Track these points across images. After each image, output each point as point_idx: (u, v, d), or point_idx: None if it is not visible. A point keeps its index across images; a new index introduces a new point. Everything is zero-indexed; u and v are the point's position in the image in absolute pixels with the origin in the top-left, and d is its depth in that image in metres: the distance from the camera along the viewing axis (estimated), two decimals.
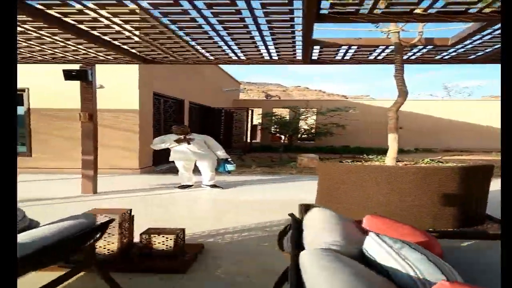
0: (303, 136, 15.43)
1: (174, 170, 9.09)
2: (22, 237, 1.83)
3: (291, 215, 1.92)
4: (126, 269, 2.69)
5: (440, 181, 3.12)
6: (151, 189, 6.31)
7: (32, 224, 2.23)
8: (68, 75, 5.56)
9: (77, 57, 5.44)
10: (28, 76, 7.58)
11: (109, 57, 5.39)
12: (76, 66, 5.69)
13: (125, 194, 5.78)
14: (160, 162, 9.64)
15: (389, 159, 3.92)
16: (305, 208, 2.00)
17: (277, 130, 15.33)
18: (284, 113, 17.37)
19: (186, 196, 5.72)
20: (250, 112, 14.34)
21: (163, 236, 2.89)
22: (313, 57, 5.06)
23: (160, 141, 6.27)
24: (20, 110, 8.31)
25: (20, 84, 7.41)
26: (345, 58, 5.08)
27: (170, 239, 2.89)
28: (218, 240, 3.49)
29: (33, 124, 8.41)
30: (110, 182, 6.72)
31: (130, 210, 3.05)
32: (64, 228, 2.06)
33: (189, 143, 6.02)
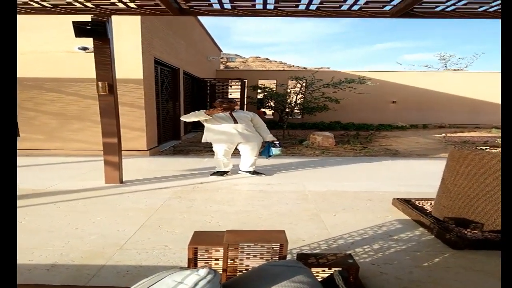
0: (294, 111, 14.60)
1: (179, 151, 8.05)
2: None
3: None
4: None
5: None
6: (182, 177, 5.24)
7: None
8: (80, 29, 4.22)
9: (87, 4, 4.14)
10: None
11: (131, 4, 4.11)
12: (85, 18, 4.37)
13: (157, 184, 4.71)
14: (160, 141, 8.51)
15: None
16: None
17: (271, 104, 14.33)
18: (272, 85, 16.41)
19: (237, 187, 4.71)
20: (245, 83, 13.14)
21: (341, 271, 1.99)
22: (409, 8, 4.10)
23: (196, 115, 5.05)
24: None
25: None
26: (448, 10, 4.14)
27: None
28: (356, 258, 2.64)
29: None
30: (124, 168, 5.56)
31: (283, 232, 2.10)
32: None
33: (236, 122, 5.02)
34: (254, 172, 5.42)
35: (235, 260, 1.82)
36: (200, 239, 1.98)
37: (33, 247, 2.70)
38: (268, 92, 14.06)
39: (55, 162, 6.28)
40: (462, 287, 2.23)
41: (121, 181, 4.73)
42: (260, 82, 16.89)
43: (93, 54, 4.51)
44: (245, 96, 13.24)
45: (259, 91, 14.74)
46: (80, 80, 6.88)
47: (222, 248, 1.86)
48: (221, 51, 18.17)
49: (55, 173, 5.40)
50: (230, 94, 13.05)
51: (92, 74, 4.75)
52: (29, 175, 5.24)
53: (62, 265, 2.41)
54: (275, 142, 5.35)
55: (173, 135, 9.86)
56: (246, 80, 13.27)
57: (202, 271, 1.03)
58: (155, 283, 1.01)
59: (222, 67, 23.87)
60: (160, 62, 8.29)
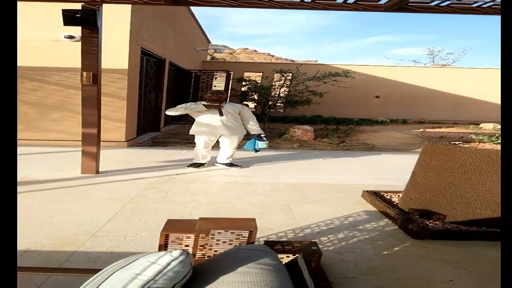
0: (276, 104, 14.63)
1: (158, 142, 8.08)
2: None
3: None
4: None
5: None
6: (158, 168, 5.30)
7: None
8: (70, 18, 4.19)
9: None
10: None
11: None
12: (76, 6, 4.29)
13: (133, 175, 4.76)
14: (139, 133, 8.51)
15: None
16: None
17: (255, 97, 14.34)
18: (257, 78, 16.42)
19: (212, 178, 4.81)
20: (230, 75, 13.11)
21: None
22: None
23: (185, 107, 5.17)
24: None
25: None
26: (443, 4, 4.20)
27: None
28: (320, 246, 2.76)
29: None
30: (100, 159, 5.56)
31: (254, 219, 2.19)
32: None
33: (222, 114, 5.10)
34: (231, 164, 5.50)
35: (205, 246, 1.92)
36: (173, 226, 2.07)
37: None
38: (253, 84, 14.07)
39: (33, 152, 6.23)
40: (419, 274, 2.36)
41: (97, 172, 4.76)
42: (246, 74, 16.86)
43: (78, 43, 4.47)
44: (229, 88, 13.24)
45: (243, 83, 14.72)
46: (63, 69, 6.81)
47: (193, 235, 1.95)
48: (209, 42, 18.04)
49: (31, 163, 5.38)
50: (214, 86, 13.00)
51: (76, 64, 4.71)
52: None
53: (34, 251, 2.47)
54: (261, 135, 5.42)
55: (153, 126, 9.85)
56: (232, 72, 13.29)
57: (176, 253, 1.13)
58: (130, 263, 1.10)
59: (208, 58, 23.74)
60: (146, 52, 8.26)
